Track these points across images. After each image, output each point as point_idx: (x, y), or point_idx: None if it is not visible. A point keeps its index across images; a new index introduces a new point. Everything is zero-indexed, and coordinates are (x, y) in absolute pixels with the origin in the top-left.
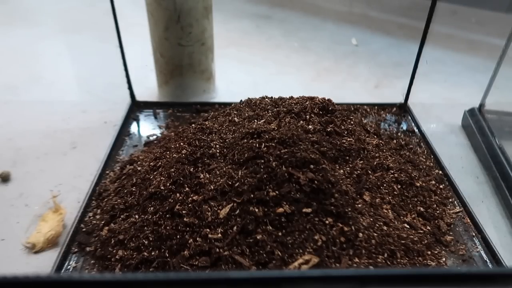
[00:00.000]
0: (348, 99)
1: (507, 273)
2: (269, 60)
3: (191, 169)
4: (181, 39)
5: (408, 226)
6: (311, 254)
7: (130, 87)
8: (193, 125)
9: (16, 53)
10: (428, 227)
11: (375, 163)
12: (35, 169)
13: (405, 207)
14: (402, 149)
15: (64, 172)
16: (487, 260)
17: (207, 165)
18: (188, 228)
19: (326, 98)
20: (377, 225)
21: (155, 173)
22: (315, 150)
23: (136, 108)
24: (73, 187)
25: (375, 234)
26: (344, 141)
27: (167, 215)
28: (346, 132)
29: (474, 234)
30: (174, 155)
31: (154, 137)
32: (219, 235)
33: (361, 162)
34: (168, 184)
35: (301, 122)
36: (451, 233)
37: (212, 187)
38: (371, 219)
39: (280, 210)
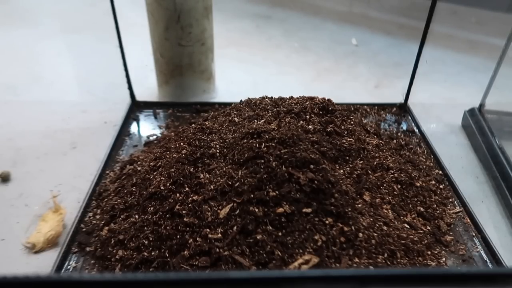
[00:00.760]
0: (348, 99)
1: (507, 273)
2: (269, 60)
3: (191, 169)
4: (181, 39)
5: (408, 226)
6: (311, 254)
7: (130, 87)
8: (193, 125)
9: (16, 53)
10: (428, 227)
11: (375, 163)
12: (35, 169)
13: (405, 207)
14: (402, 149)
15: (64, 172)
16: (487, 260)
17: (207, 165)
18: (188, 228)
19: (326, 98)
20: (377, 225)
21: (155, 173)
22: (315, 150)
23: (136, 108)
24: (73, 187)
25: (375, 234)
26: (344, 141)
27: (167, 215)
28: (346, 132)
29: (474, 234)
30: (174, 155)
31: (154, 137)
32: (219, 235)
33: (361, 162)
34: (168, 184)
35: (301, 122)
36: (451, 233)
37: (212, 187)
38: (371, 219)
39: (280, 210)
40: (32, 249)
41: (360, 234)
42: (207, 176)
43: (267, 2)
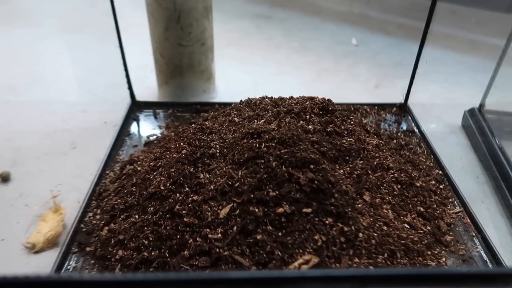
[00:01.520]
0: (348, 99)
1: (507, 273)
2: (269, 60)
3: (191, 169)
4: (181, 39)
5: (408, 226)
6: (311, 254)
7: (130, 87)
8: (193, 125)
9: (16, 53)
10: (428, 227)
11: (375, 163)
12: (35, 169)
13: (405, 207)
14: (402, 149)
15: (64, 172)
16: (487, 260)
17: (207, 165)
18: (188, 228)
19: (326, 98)
20: (377, 225)
21: (155, 173)
22: (315, 150)
23: (136, 108)
24: (73, 187)
25: (375, 234)
26: (344, 141)
27: (167, 215)
28: (346, 132)
29: (474, 234)
30: (174, 155)
31: (154, 137)
32: (219, 235)
33: (361, 162)
34: (168, 184)
35: (301, 122)
36: (451, 233)
37: (212, 187)
38: (371, 219)
39: (280, 210)
40: (32, 249)
41: (360, 234)
42: (207, 176)
43: (267, 2)
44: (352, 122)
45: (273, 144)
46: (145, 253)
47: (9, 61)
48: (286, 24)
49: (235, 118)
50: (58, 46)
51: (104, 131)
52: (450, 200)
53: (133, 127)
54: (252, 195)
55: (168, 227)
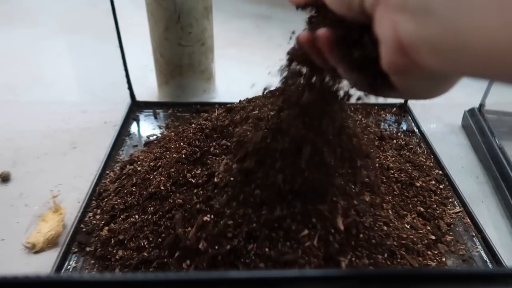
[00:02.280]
0: None
1: (507, 273)
2: (269, 60)
3: (191, 169)
4: (181, 39)
5: (408, 226)
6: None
7: (130, 87)
8: (193, 125)
9: (16, 53)
10: (428, 227)
11: (375, 163)
12: (35, 169)
13: (405, 207)
14: (402, 149)
15: (64, 172)
16: (487, 260)
17: (207, 165)
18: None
19: None
20: (377, 225)
21: (155, 173)
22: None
23: (136, 108)
24: (73, 187)
25: (375, 234)
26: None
27: (167, 215)
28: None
29: (474, 234)
30: (174, 155)
31: (154, 137)
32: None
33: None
34: (168, 184)
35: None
36: (451, 233)
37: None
38: (371, 219)
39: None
40: (32, 249)
41: (361, 235)
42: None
43: (267, 2)
44: (352, 122)
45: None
46: (145, 253)
47: (9, 61)
48: (286, 24)
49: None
50: (58, 46)
51: (104, 131)
52: (450, 200)
53: (133, 127)
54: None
55: (168, 227)
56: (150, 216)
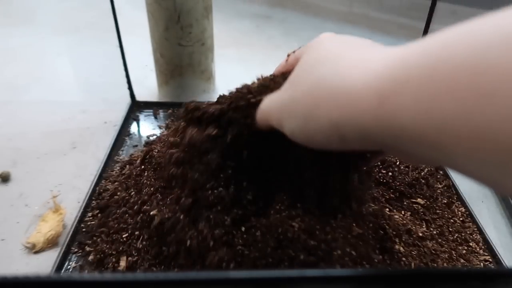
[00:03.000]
0: None
1: (507, 273)
2: (269, 60)
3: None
4: (181, 39)
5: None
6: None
7: (130, 87)
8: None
9: (16, 53)
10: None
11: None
12: (35, 169)
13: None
14: None
15: (64, 172)
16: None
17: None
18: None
19: None
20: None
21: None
22: None
23: (136, 108)
24: (73, 187)
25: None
26: None
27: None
28: None
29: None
30: None
31: (154, 137)
32: None
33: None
34: None
35: None
36: None
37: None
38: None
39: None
40: (32, 249)
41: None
42: None
43: (267, 2)
44: None
45: None
46: None
47: (9, 61)
48: (286, 24)
49: None
50: (58, 46)
51: (104, 131)
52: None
53: (133, 127)
54: None
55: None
56: None
